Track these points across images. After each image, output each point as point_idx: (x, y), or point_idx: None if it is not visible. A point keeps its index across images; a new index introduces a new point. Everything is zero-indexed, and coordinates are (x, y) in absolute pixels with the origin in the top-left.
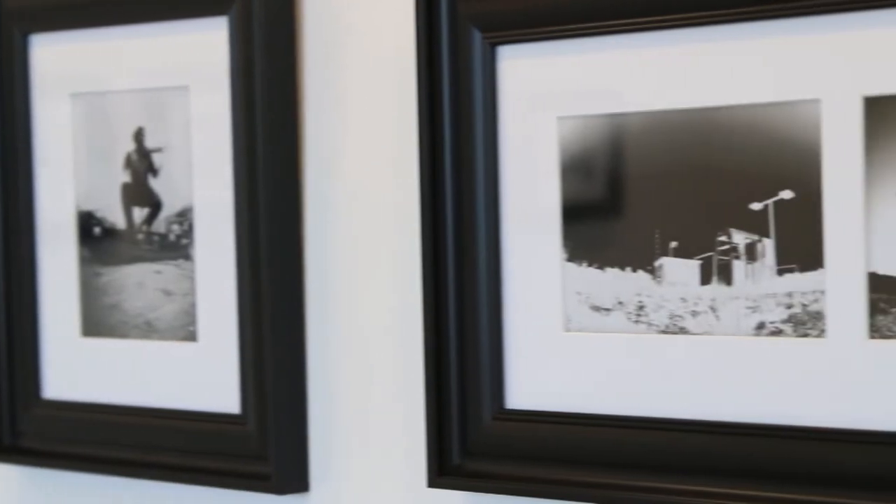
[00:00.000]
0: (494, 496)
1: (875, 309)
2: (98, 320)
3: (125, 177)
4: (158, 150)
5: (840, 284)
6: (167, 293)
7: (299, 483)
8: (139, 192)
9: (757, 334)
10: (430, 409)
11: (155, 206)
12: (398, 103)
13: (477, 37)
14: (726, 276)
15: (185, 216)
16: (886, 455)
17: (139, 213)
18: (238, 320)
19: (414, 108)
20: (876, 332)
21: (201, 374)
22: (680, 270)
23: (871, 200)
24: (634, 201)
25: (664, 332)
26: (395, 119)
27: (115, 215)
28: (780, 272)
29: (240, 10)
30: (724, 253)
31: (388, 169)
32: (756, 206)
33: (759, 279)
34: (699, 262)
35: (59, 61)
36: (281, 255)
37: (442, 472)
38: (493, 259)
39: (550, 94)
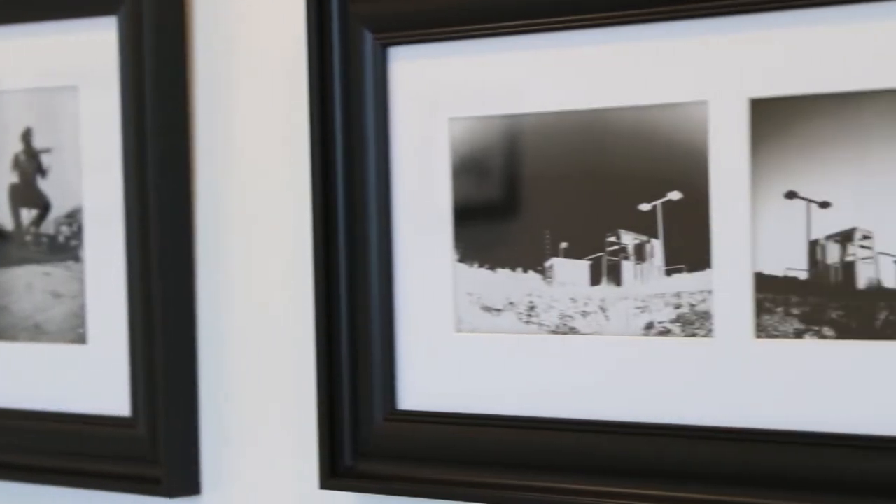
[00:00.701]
0: (387, 497)
1: (761, 308)
2: None
3: (13, 177)
4: (47, 150)
5: (727, 284)
6: (56, 295)
7: (190, 486)
8: (27, 193)
9: (646, 334)
10: (321, 410)
11: (43, 207)
12: (289, 104)
13: (368, 38)
14: (615, 277)
15: (74, 217)
16: (772, 453)
17: (27, 215)
18: (128, 322)
19: (305, 108)
20: (762, 331)
21: (91, 377)
22: (570, 271)
23: (757, 201)
24: (525, 202)
25: (554, 332)
26: (286, 119)
27: (2, 216)
28: (669, 272)
29: (129, 9)
30: (614, 253)
31: (279, 169)
32: (645, 206)
33: (648, 279)
34: (589, 262)
35: None
36: (171, 257)
37: (334, 474)
38: (385, 260)
39: (442, 96)
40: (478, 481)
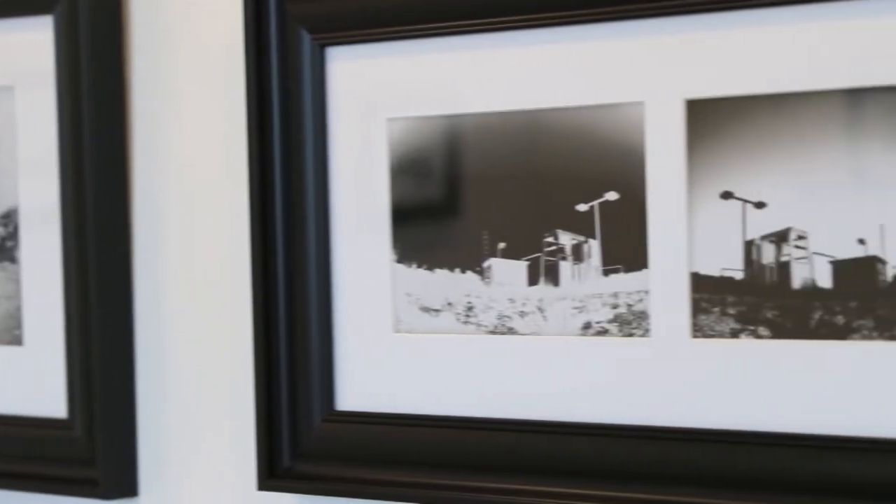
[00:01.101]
0: (325, 498)
1: (697, 308)
2: None
3: None
4: None
5: (664, 284)
6: None
7: (128, 488)
8: None
9: (583, 334)
10: (259, 411)
11: None
12: (228, 104)
13: (306, 38)
14: (553, 277)
15: (10, 218)
16: (710, 452)
17: None
18: (65, 324)
19: (243, 109)
20: (699, 331)
21: (27, 379)
22: (508, 271)
23: (693, 201)
24: (463, 203)
25: (493, 332)
26: (224, 120)
27: None
28: (606, 272)
29: (65, 8)
30: (552, 254)
31: (218, 170)
32: (582, 207)
33: (586, 279)
34: (527, 262)
35: None
36: (108, 258)
37: (272, 475)
38: (324, 261)
39: (380, 96)
40: (417, 482)
